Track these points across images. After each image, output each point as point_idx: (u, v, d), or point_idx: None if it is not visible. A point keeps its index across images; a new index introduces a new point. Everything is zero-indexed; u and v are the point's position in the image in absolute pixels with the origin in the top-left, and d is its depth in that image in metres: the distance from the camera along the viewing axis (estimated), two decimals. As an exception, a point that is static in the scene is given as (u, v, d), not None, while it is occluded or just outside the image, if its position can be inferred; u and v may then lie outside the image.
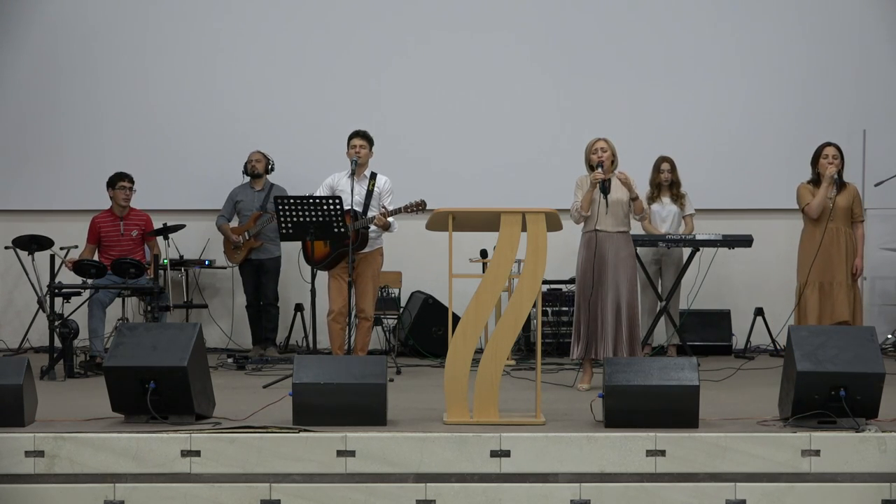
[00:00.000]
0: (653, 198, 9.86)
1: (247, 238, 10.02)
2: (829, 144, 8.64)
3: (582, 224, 7.84)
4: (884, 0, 10.63)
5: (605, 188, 7.68)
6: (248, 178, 10.18)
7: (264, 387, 7.81)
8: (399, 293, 10.27)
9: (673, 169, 9.86)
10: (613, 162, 7.81)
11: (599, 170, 7.68)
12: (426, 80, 10.65)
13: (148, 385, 6.06)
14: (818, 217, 8.56)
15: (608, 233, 7.74)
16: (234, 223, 10.19)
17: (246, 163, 10.18)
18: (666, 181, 9.83)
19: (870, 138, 10.41)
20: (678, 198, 9.87)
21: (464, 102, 10.61)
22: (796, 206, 8.79)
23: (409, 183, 9.48)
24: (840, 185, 8.60)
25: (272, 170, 10.19)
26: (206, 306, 10.49)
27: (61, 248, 9.43)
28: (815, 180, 8.64)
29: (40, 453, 5.78)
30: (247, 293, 10.21)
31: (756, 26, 10.63)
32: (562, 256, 9.63)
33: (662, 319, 9.54)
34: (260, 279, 10.15)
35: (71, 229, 9.93)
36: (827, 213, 8.52)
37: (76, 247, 9.52)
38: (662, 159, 9.86)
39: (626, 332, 7.70)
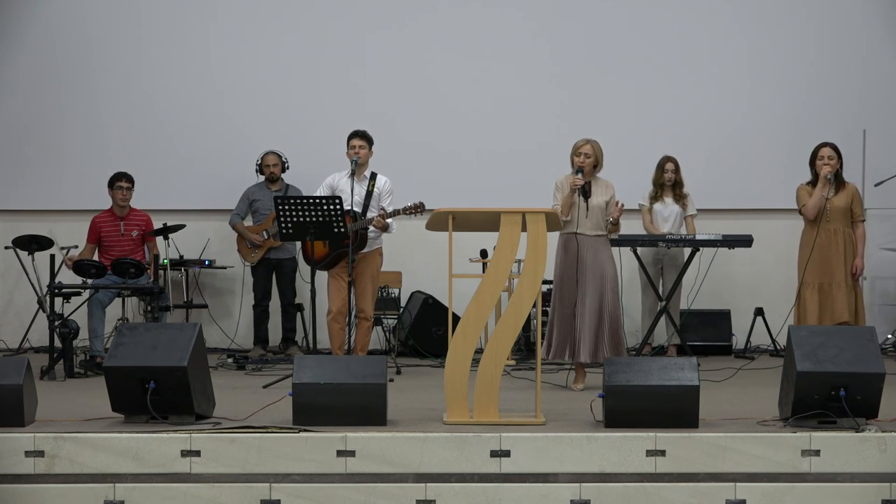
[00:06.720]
0: (655, 197, 9.85)
1: (266, 238, 10.01)
2: (825, 145, 8.65)
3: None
4: (884, 0, 10.63)
5: (585, 192, 7.72)
6: (262, 178, 10.17)
7: (264, 387, 7.82)
8: (399, 293, 10.25)
9: (677, 169, 9.85)
10: (597, 166, 7.86)
11: (579, 175, 7.72)
12: (429, 75, 10.61)
13: (148, 385, 6.06)
14: (814, 217, 8.56)
15: (587, 236, 7.77)
16: (248, 222, 10.20)
17: (261, 164, 10.15)
18: (669, 181, 9.82)
19: (870, 138, 10.41)
20: (681, 198, 9.86)
21: (467, 97, 10.57)
22: (796, 206, 8.81)
23: (411, 181, 9.50)
24: (838, 185, 8.60)
25: (287, 169, 10.18)
26: (206, 306, 10.47)
27: (61, 248, 9.43)
28: (814, 181, 8.64)
29: (40, 453, 5.78)
30: (256, 292, 10.20)
31: (757, 26, 10.62)
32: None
33: (662, 319, 9.53)
34: (276, 279, 10.17)
35: (71, 229, 9.92)
36: (822, 213, 8.52)
37: (76, 247, 9.51)
38: (667, 159, 9.84)
39: (608, 334, 7.72)
